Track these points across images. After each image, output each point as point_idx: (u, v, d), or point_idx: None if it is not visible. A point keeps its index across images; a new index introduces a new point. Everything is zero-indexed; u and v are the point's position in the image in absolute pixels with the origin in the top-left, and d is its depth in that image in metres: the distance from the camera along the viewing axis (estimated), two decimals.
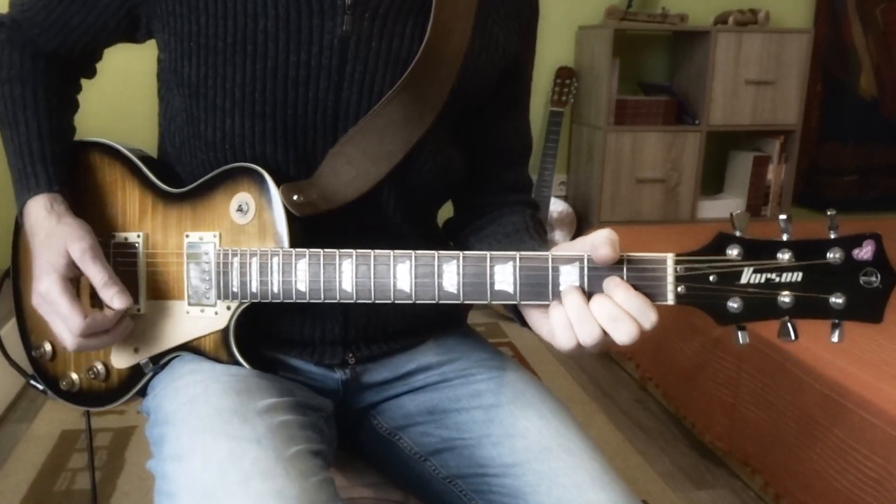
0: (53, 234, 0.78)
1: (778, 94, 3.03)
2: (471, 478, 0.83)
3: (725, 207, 3.16)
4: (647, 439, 2.03)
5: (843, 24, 3.24)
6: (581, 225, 3.00)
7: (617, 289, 0.67)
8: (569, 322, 0.68)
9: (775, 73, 3.00)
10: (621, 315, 0.66)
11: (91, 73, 0.95)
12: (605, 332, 0.67)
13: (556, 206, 2.93)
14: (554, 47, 3.06)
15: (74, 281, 0.79)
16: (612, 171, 2.94)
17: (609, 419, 2.12)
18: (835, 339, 0.65)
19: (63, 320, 0.76)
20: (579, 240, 0.70)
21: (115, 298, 0.77)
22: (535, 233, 0.89)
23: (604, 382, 2.35)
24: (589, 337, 0.67)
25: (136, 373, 0.86)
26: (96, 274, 0.77)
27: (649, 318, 0.66)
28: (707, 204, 3.12)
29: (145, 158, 0.87)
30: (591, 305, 0.67)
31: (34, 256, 0.79)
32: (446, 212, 0.98)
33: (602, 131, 2.90)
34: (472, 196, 0.96)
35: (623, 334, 0.66)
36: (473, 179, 0.94)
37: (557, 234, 2.95)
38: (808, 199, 3.35)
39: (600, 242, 0.67)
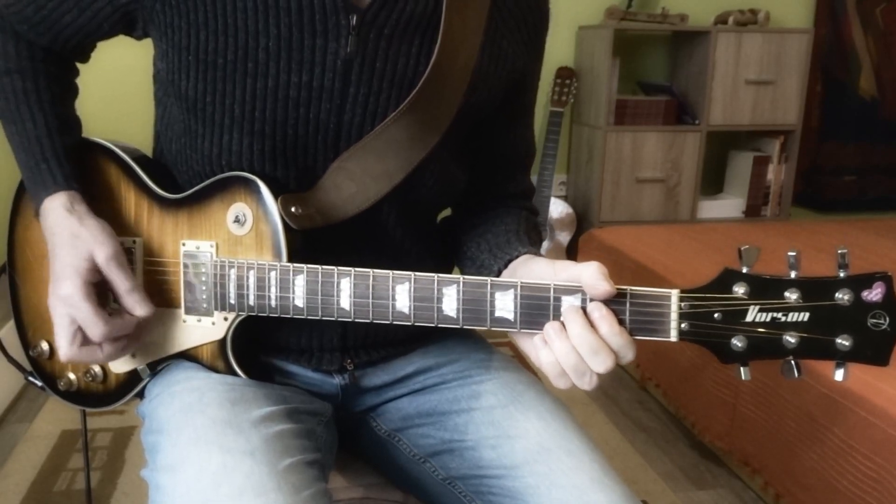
0: (77, 236, 0.76)
1: (778, 94, 3.02)
2: (470, 479, 0.83)
3: (725, 207, 3.16)
4: (647, 439, 2.03)
5: (843, 24, 3.24)
6: (581, 225, 3.00)
7: (602, 321, 0.66)
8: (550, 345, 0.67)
9: (775, 73, 3.00)
10: (602, 348, 0.65)
11: (85, 59, 0.91)
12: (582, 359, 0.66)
13: (557, 207, 2.93)
14: (554, 47, 3.05)
15: (95, 285, 0.77)
16: (612, 171, 2.94)
17: (609, 419, 2.12)
18: (838, 377, 0.63)
19: (84, 324, 0.75)
20: (568, 266, 0.69)
21: (137, 306, 0.76)
22: (525, 234, 0.87)
23: (604, 382, 2.35)
24: (566, 358, 0.66)
25: (133, 377, 0.85)
26: (121, 281, 0.76)
27: (627, 356, 0.66)
28: (707, 204, 3.12)
29: (140, 159, 0.85)
30: (571, 334, 0.66)
31: (54, 256, 0.77)
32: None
33: (602, 131, 2.90)
34: (473, 202, 0.95)
35: (600, 366, 0.66)
36: (474, 187, 0.93)
37: (559, 235, 2.95)
38: (808, 199, 3.35)
39: (593, 282, 0.66)
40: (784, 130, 3.09)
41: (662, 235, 2.49)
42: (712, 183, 3.27)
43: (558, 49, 3.06)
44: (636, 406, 2.22)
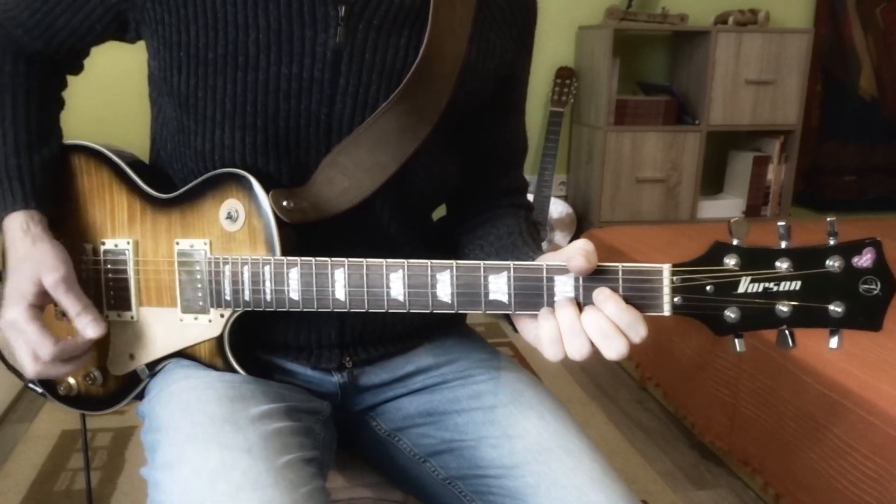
0: (28, 258, 0.77)
1: (778, 94, 3.03)
2: (470, 479, 0.83)
3: (725, 207, 3.16)
4: (647, 439, 2.03)
5: (843, 24, 3.24)
6: (581, 225, 3.00)
7: (608, 301, 0.66)
8: (558, 334, 0.67)
9: (775, 73, 3.00)
10: (612, 331, 0.65)
11: (78, 69, 0.92)
12: (593, 347, 0.66)
13: (557, 207, 2.93)
14: (554, 47, 3.06)
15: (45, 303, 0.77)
16: (612, 171, 2.94)
17: (609, 419, 2.12)
18: (833, 345, 0.64)
19: (33, 346, 0.75)
20: (560, 251, 0.70)
21: (88, 327, 0.77)
22: (529, 236, 0.87)
23: (604, 382, 2.35)
24: (578, 352, 0.66)
25: (132, 378, 0.85)
26: (71, 304, 0.77)
27: (639, 332, 0.66)
28: (707, 204, 3.12)
29: (132, 162, 0.85)
30: (583, 319, 0.66)
31: (6, 277, 0.78)
32: (440, 209, 0.97)
33: (602, 131, 2.90)
34: (467, 199, 0.95)
35: (612, 351, 0.65)
36: (468, 183, 0.93)
37: (558, 235, 2.95)
38: (808, 199, 3.35)
39: (573, 253, 0.66)
40: (784, 130, 3.09)
41: (662, 235, 2.49)
42: (712, 183, 3.27)
43: (558, 49, 3.06)
44: (636, 406, 2.22)
